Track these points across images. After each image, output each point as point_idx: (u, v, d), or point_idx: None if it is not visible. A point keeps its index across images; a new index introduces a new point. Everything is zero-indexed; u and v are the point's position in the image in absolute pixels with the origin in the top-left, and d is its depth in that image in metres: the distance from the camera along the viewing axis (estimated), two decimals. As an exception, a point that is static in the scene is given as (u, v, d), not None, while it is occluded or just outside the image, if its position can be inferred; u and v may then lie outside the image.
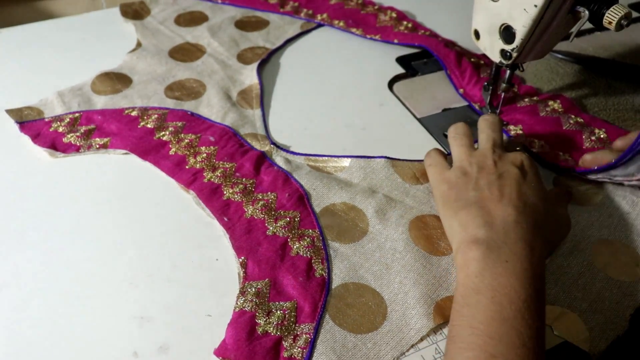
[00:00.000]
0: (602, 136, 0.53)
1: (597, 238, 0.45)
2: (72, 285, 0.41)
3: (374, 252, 0.43)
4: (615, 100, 0.59)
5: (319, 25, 0.72)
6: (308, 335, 0.37)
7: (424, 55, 0.66)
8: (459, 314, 0.35)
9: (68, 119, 0.55)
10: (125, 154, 0.52)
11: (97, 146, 0.52)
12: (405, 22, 0.71)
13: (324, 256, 0.42)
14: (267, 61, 0.65)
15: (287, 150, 0.52)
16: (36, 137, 0.53)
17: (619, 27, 0.43)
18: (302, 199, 0.47)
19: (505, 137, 0.54)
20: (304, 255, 0.42)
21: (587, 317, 0.39)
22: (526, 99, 0.58)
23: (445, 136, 0.55)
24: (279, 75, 0.63)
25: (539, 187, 0.43)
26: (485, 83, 0.56)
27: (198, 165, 0.50)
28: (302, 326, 0.38)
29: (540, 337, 0.34)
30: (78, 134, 0.53)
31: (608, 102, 0.59)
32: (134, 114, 0.55)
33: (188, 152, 0.51)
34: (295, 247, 0.43)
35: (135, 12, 0.72)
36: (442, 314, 0.39)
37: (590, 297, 0.41)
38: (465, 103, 0.60)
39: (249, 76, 0.62)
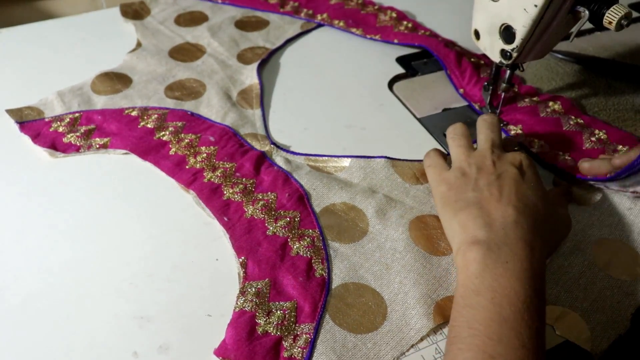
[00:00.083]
0: (602, 137, 0.53)
1: (598, 237, 0.45)
2: (72, 285, 0.41)
3: (374, 252, 0.43)
4: (615, 100, 0.59)
5: (319, 25, 0.72)
6: (308, 335, 0.37)
7: (424, 55, 0.66)
8: (459, 314, 0.35)
9: (68, 119, 0.55)
10: (125, 154, 0.52)
11: (97, 146, 0.52)
12: (405, 22, 0.71)
13: (324, 256, 0.42)
14: (267, 61, 0.65)
15: (287, 150, 0.52)
16: (36, 137, 0.53)
17: (619, 27, 0.43)
18: (302, 199, 0.47)
19: (504, 135, 0.54)
20: (304, 255, 0.42)
21: (589, 317, 0.39)
22: (526, 99, 0.58)
23: (445, 136, 0.55)
24: (279, 75, 0.63)
25: (538, 186, 0.42)
26: (485, 83, 0.56)
27: (198, 165, 0.50)
28: (302, 326, 0.38)
29: (540, 337, 0.34)
30: (78, 134, 0.53)
31: (608, 102, 0.59)
32: (134, 114, 0.55)
33: (188, 152, 0.51)
34: (295, 247, 0.43)
35: (135, 12, 0.72)
36: (442, 314, 0.39)
37: (591, 296, 0.41)
38: (465, 103, 0.60)
39: (249, 76, 0.62)
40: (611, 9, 0.43)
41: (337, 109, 0.59)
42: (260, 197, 0.47)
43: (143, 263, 0.42)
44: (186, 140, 0.52)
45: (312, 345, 0.37)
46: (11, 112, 0.55)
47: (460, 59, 0.62)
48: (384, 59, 0.66)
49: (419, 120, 0.58)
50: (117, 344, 0.37)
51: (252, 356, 0.36)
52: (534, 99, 0.59)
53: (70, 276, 0.41)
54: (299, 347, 0.37)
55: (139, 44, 0.66)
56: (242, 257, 0.42)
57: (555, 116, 0.56)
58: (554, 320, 0.39)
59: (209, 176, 0.49)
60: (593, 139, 0.53)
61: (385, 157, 0.51)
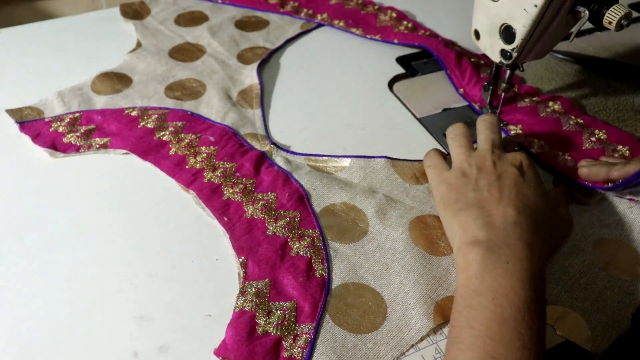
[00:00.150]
0: (602, 137, 0.53)
1: (598, 237, 0.45)
2: (72, 285, 0.41)
3: (374, 252, 0.43)
4: (615, 100, 0.59)
5: (319, 25, 0.72)
6: (308, 335, 0.37)
7: (424, 55, 0.66)
8: (459, 315, 0.35)
9: (68, 119, 0.55)
10: (125, 154, 0.52)
11: (97, 146, 0.52)
12: (405, 22, 0.71)
13: (324, 256, 0.42)
14: (267, 61, 0.65)
15: (287, 150, 0.52)
16: (36, 137, 0.53)
17: (619, 27, 0.43)
18: (302, 199, 0.47)
19: (503, 135, 0.54)
20: (304, 255, 0.42)
21: (589, 317, 0.39)
22: (526, 99, 0.58)
23: (445, 136, 0.55)
24: (279, 75, 0.63)
25: (538, 186, 0.42)
26: (486, 83, 0.56)
27: (198, 165, 0.50)
28: (302, 326, 0.38)
29: (541, 337, 0.34)
30: (78, 134, 0.53)
31: (608, 102, 0.59)
32: (134, 114, 0.55)
33: (188, 152, 0.51)
34: (295, 247, 0.43)
35: (135, 12, 0.72)
36: (442, 314, 0.39)
37: (592, 296, 0.41)
38: (465, 103, 0.60)
39: (249, 76, 0.62)
40: (611, 9, 0.43)
41: (337, 109, 0.59)
42: (260, 197, 0.47)
43: (143, 263, 0.42)
44: (186, 140, 0.52)
45: (312, 345, 0.37)
46: (11, 112, 0.55)
47: (460, 59, 0.62)
48: (384, 59, 0.66)
49: (419, 120, 0.58)
50: (117, 344, 0.37)
51: (252, 356, 0.36)
52: (534, 99, 0.59)
53: (70, 276, 0.41)
54: (299, 347, 0.37)
55: (139, 44, 0.66)
56: (242, 257, 0.42)
57: (555, 116, 0.56)
58: (555, 320, 0.39)
59: (209, 176, 0.49)
60: (593, 139, 0.53)
61: (385, 157, 0.51)
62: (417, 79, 0.64)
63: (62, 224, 0.45)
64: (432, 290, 0.40)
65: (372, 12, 0.73)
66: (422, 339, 0.38)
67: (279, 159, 0.51)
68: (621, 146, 0.52)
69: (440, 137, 0.55)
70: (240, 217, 0.45)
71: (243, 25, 0.71)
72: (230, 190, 0.47)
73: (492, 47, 0.51)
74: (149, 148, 0.52)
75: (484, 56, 0.62)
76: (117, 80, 0.60)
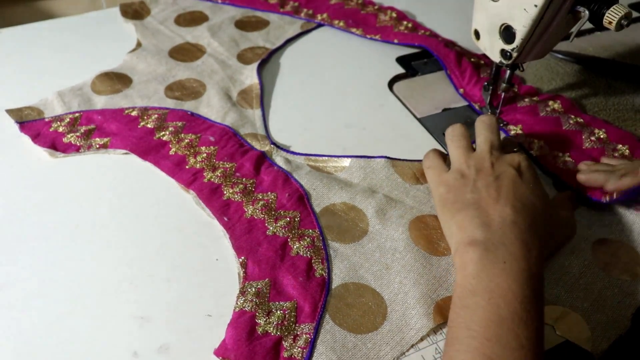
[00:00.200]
0: (602, 136, 0.53)
1: (598, 237, 0.45)
2: (72, 285, 0.41)
3: (374, 252, 0.43)
4: (615, 100, 0.59)
5: (319, 25, 0.72)
6: (308, 335, 0.37)
7: (424, 55, 0.66)
8: (456, 315, 0.35)
9: (68, 119, 0.55)
10: (125, 154, 0.52)
11: (97, 146, 0.52)
12: (405, 22, 0.71)
13: (324, 256, 0.42)
14: (267, 61, 0.65)
15: (287, 150, 0.52)
16: (36, 137, 0.53)
17: (619, 27, 0.43)
18: (302, 198, 0.47)
19: (503, 135, 0.54)
20: (304, 255, 0.42)
21: (589, 317, 0.39)
22: (526, 99, 0.58)
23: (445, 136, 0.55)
24: (279, 75, 0.63)
25: (537, 187, 0.42)
26: (485, 83, 0.56)
27: (198, 165, 0.50)
28: (302, 326, 0.38)
29: (538, 337, 0.33)
30: (78, 134, 0.53)
31: (608, 102, 0.59)
32: (134, 114, 0.55)
33: (188, 152, 0.51)
34: (295, 247, 0.43)
35: (135, 12, 0.72)
36: (442, 314, 0.39)
37: (591, 296, 0.41)
38: (465, 103, 0.60)
39: (249, 76, 0.62)
40: (611, 9, 0.43)
41: (337, 109, 0.59)
42: (260, 197, 0.47)
43: (143, 263, 0.42)
44: (186, 140, 0.52)
45: (312, 345, 0.37)
46: (11, 112, 0.55)
47: (460, 59, 0.62)
48: (384, 59, 0.66)
49: (419, 120, 0.58)
50: (117, 344, 0.37)
51: (252, 356, 0.36)
52: (534, 98, 0.59)
53: (70, 276, 0.41)
54: (299, 347, 0.37)
55: (139, 44, 0.66)
56: (242, 257, 0.42)
57: (555, 115, 0.56)
58: (555, 320, 0.39)
59: (209, 176, 0.49)
60: (593, 138, 0.53)
61: (385, 157, 0.51)
62: (417, 79, 0.64)
63: (62, 224, 0.45)
64: (432, 290, 0.40)
65: (372, 12, 0.73)
66: (422, 339, 0.38)
67: (279, 159, 0.51)
68: (621, 145, 0.52)
69: (440, 137, 0.55)
70: (240, 217, 0.45)
71: (243, 25, 0.71)
72: (230, 190, 0.47)
73: (492, 47, 0.51)
74: (149, 148, 0.52)
75: (484, 56, 0.62)
76: (117, 80, 0.60)
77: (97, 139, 0.53)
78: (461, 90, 0.61)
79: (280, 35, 0.69)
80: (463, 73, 0.62)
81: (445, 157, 0.47)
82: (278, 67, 0.65)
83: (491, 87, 0.56)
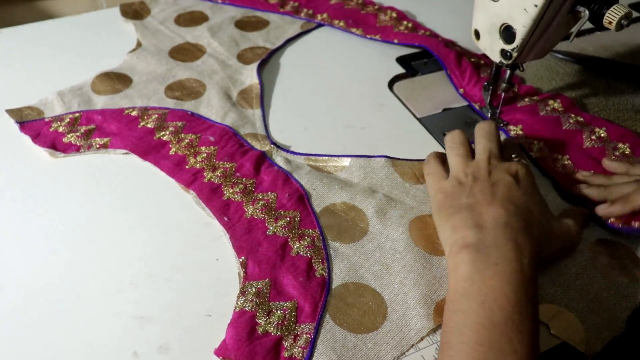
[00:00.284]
0: (602, 135, 0.53)
1: (596, 238, 0.45)
2: (72, 285, 0.41)
3: (374, 252, 0.43)
4: (615, 100, 0.59)
5: (319, 25, 0.72)
6: (308, 335, 0.37)
7: (424, 55, 0.66)
8: (449, 319, 0.35)
9: (68, 119, 0.55)
10: (126, 154, 0.52)
11: (97, 146, 0.52)
12: (405, 22, 0.71)
13: (324, 256, 0.42)
14: (267, 61, 0.65)
15: (287, 150, 0.52)
16: (36, 137, 0.53)
17: (619, 27, 0.43)
18: (302, 198, 0.47)
19: (504, 135, 0.54)
20: (304, 255, 0.42)
21: (584, 317, 0.39)
22: (526, 99, 0.58)
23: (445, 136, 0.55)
24: (279, 75, 0.63)
25: (534, 194, 0.42)
26: (486, 83, 0.56)
27: (198, 165, 0.50)
28: (302, 326, 0.38)
29: (532, 341, 0.33)
30: (78, 133, 0.53)
31: (608, 102, 0.59)
32: (134, 113, 0.55)
33: (188, 152, 0.51)
34: (295, 247, 0.43)
35: (135, 12, 0.72)
36: (442, 314, 0.38)
37: (588, 297, 0.40)
38: (465, 103, 0.60)
39: (249, 76, 0.62)
40: (611, 9, 0.43)
41: (337, 109, 0.59)
42: (261, 197, 0.47)
43: (143, 263, 0.42)
44: (186, 140, 0.52)
45: (312, 345, 0.37)
46: (11, 112, 0.55)
47: (460, 59, 0.62)
48: (384, 59, 0.66)
49: (419, 120, 0.58)
50: (117, 344, 0.37)
51: (253, 356, 0.36)
52: (534, 98, 0.59)
53: (70, 276, 0.41)
54: (299, 347, 0.37)
55: (139, 44, 0.66)
56: (242, 257, 0.42)
57: (555, 115, 0.56)
58: (549, 319, 0.39)
59: (209, 176, 0.49)
60: (593, 137, 0.53)
61: (385, 156, 0.51)
62: (417, 79, 0.64)
63: (62, 224, 0.45)
64: (432, 290, 0.40)
65: (372, 12, 0.73)
66: (422, 339, 0.38)
67: (279, 158, 0.51)
68: (621, 144, 0.52)
69: (440, 137, 0.55)
70: (241, 217, 0.45)
71: (243, 25, 0.71)
72: (230, 190, 0.47)
73: (492, 47, 0.51)
74: (149, 148, 0.52)
75: (484, 56, 0.62)
76: (117, 80, 0.60)
77: (97, 139, 0.53)
78: (461, 90, 0.61)
79: (280, 35, 0.69)
80: (463, 73, 0.62)
81: (445, 162, 0.47)
82: (278, 67, 0.65)
83: (491, 87, 0.56)
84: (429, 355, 0.37)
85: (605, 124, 0.54)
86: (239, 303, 0.39)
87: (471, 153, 0.46)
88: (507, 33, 0.48)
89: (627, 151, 0.51)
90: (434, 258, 0.42)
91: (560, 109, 0.56)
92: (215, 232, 0.45)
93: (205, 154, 0.51)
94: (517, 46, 0.48)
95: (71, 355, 0.37)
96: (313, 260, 0.42)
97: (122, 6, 0.73)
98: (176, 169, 0.50)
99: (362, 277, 0.41)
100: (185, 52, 0.65)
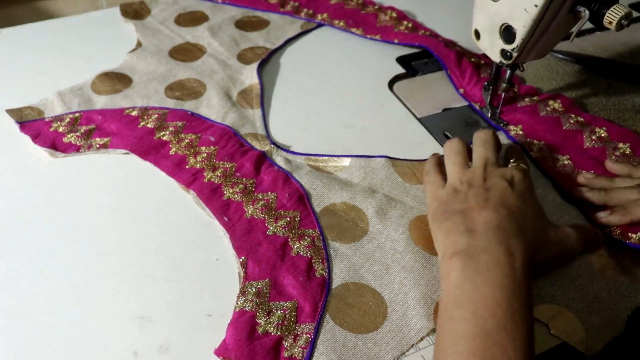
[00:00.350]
0: (602, 135, 0.53)
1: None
2: (72, 285, 0.41)
3: (374, 252, 0.43)
4: (615, 100, 0.59)
5: (319, 25, 0.72)
6: (308, 335, 0.37)
7: (424, 55, 0.66)
8: (442, 328, 0.35)
9: (68, 119, 0.55)
10: (126, 153, 0.52)
11: (98, 146, 0.52)
12: (405, 22, 0.71)
13: (324, 256, 0.42)
14: (267, 61, 0.65)
15: (287, 150, 0.52)
16: (36, 137, 0.53)
17: (620, 27, 0.43)
18: (302, 198, 0.47)
19: (507, 140, 0.54)
20: (304, 255, 0.42)
21: (584, 317, 0.39)
22: (526, 99, 0.58)
23: (446, 136, 0.55)
24: (279, 75, 0.63)
25: (530, 199, 0.42)
26: (486, 83, 0.56)
27: (198, 165, 0.50)
28: (302, 326, 0.38)
29: (526, 347, 0.33)
30: (78, 133, 0.53)
31: (608, 102, 0.59)
32: (134, 113, 0.55)
33: (188, 152, 0.51)
34: (295, 246, 0.43)
35: (135, 12, 0.72)
36: (442, 314, 0.39)
37: (588, 297, 0.40)
38: (465, 103, 0.60)
39: (249, 76, 0.62)
40: (611, 8, 0.43)
41: (337, 109, 0.59)
42: (261, 197, 0.47)
43: (143, 263, 0.42)
44: (186, 140, 0.52)
45: (312, 345, 0.37)
46: (11, 112, 0.55)
47: (460, 59, 0.62)
48: (384, 59, 0.66)
49: (419, 120, 0.58)
50: (117, 344, 0.37)
51: (253, 356, 0.36)
52: (534, 98, 0.59)
53: (70, 276, 0.41)
54: (299, 347, 0.37)
55: (139, 44, 0.66)
56: (243, 257, 0.42)
57: (556, 115, 0.56)
58: (550, 319, 0.39)
59: (209, 176, 0.49)
60: (594, 137, 0.53)
61: (385, 156, 0.51)
62: (417, 79, 0.64)
63: (62, 224, 0.45)
64: (432, 290, 0.40)
65: (372, 12, 0.73)
66: (422, 339, 0.38)
67: (279, 158, 0.51)
68: (622, 144, 0.52)
69: (440, 137, 0.55)
70: (241, 217, 0.45)
71: (243, 25, 0.71)
72: (231, 190, 0.47)
73: (492, 47, 0.51)
74: (149, 148, 0.52)
75: (484, 56, 0.62)
76: (117, 80, 0.60)
77: (97, 139, 0.53)
78: (461, 90, 0.61)
79: (281, 35, 0.69)
80: (463, 73, 0.62)
81: (444, 170, 0.47)
82: (278, 67, 0.65)
83: (491, 87, 0.56)
84: (429, 355, 0.37)
85: (605, 124, 0.54)
86: (239, 303, 0.39)
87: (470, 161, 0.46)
88: (507, 33, 0.48)
89: (628, 151, 0.51)
90: (434, 258, 0.42)
91: (560, 110, 0.56)
92: (215, 232, 0.45)
93: (205, 154, 0.51)
94: (517, 46, 0.48)
95: (71, 355, 0.37)
96: (313, 260, 0.42)
97: (122, 6, 0.73)
98: (176, 169, 0.50)
99: (362, 277, 0.41)
100: (186, 52, 0.65)
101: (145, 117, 0.55)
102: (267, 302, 0.39)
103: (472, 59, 0.64)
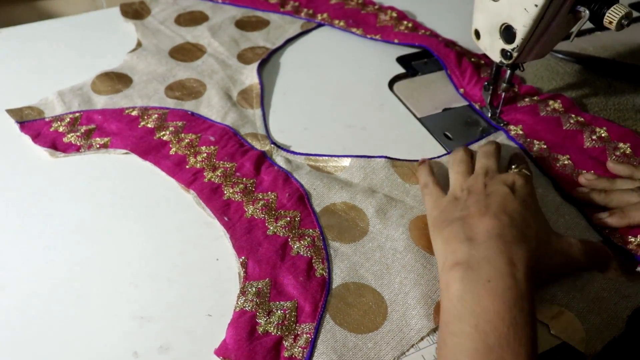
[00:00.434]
0: (603, 135, 0.53)
1: (597, 239, 0.45)
2: (72, 285, 0.41)
3: (375, 252, 0.43)
4: (615, 100, 0.59)
5: (320, 25, 0.72)
6: (309, 335, 0.37)
7: (424, 55, 0.66)
8: (443, 343, 0.34)
9: (68, 119, 0.55)
10: (126, 153, 0.52)
11: (98, 146, 0.52)
12: (405, 22, 0.71)
13: (325, 256, 0.42)
14: (267, 61, 0.65)
15: (288, 150, 0.52)
16: (36, 137, 0.53)
17: (620, 26, 0.43)
18: (302, 198, 0.47)
19: (507, 140, 0.54)
20: (305, 255, 0.42)
21: (584, 317, 0.39)
22: (526, 99, 0.58)
23: (446, 136, 0.55)
24: (279, 75, 0.63)
25: (532, 205, 0.41)
26: (486, 83, 0.56)
27: (198, 165, 0.50)
28: (302, 326, 0.38)
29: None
30: (78, 133, 0.53)
31: (609, 102, 0.59)
32: (134, 113, 0.55)
33: (188, 152, 0.51)
34: (295, 246, 0.43)
35: (135, 12, 0.72)
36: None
37: (588, 297, 0.40)
38: (465, 103, 0.60)
39: (249, 76, 0.62)
40: (611, 8, 0.43)
41: (337, 109, 0.59)
42: (261, 197, 0.47)
43: (143, 263, 0.42)
44: (186, 140, 0.52)
45: (312, 345, 0.37)
46: (11, 112, 0.55)
47: (460, 59, 0.62)
48: (384, 58, 0.66)
49: (420, 120, 0.58)
50: (117, 344, 0.37)
51: (253, 356, 0.36)
52: (534, 98, 0.59)
53: (71, 276, 0.41)
54: (299, 346, 0.37)
55: (139, 44, 0.66)
56: (243, 257, 0.42)
57: (556, 115, 0.56)
58: (550, 319, 0.39)
59: (209, 176, 0.49)
60: (594, 137, 0.53)
61: (386, 157, 0.51)
62: (417, 78, 0.64)
63: (62, 224, 0.45)
64: (432, 290, 0.40)
65: (372, 12, 0.73)
66: (422, 339, 0.38)
67: (279, 158, 0.51)
68: (622, 144, 0.52)
69: (441, 137, 0.55)
70: (241, 217, 0.45)
71: (243, 25, 0.71)
72: (231, 190, 0.47)
73: (492, 47, 0.51)
74: (149, 148, 0.52)
75: (485, 56, 0.62)
76: (117, 80, 0.60)
77: (98, 139, 0.53)
78: (461, 90, 0.61)
79: (281, 35, 0.69)
80: (463, 73, 0.62)
81: (443, 187, 0.46)
82: (278, 67, 0.65)
83: (491, 87, 0.56)
84: (429, 355, 0.37)
85: (606, 124, 0.54)
86: (239, 303, 0.39)
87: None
88: (507, 33, 0.48)
89: (628, 151, 0.51)
90: (434, 258, 0.42)
91: (560, 110, 0.56)
92: (216, 232, 0.45)
93: (205, 154, 0.51)
94: (517, 46, 0.48)
95: (71, 356, 0.37)
96: (313, 260, 0.42)
97: (122, 6, 0.73)
98: (176, 168, 0.50)
99: (362, 277, 0.41)
100: (186, 52, 0.65)
101: (146, 117, 0.55)
102: (267, 302, 0.39)
103: (472, 59, 0.64)
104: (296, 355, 0.36)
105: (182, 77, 0.61)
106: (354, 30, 0.70)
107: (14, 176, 0.49)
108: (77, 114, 0.55)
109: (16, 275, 0.41)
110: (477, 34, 0.53)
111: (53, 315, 0.39)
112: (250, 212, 0.45)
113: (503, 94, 0.55)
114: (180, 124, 0.54)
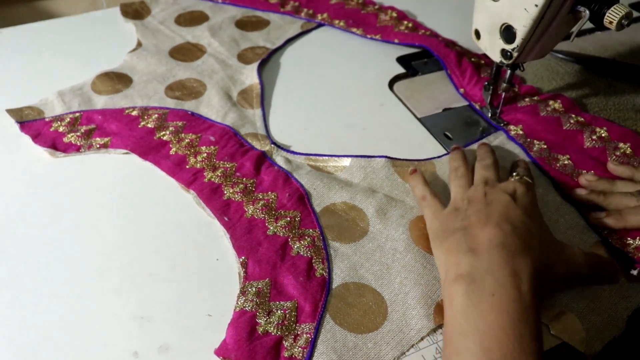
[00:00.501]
0: (603, 135, 0.53)
1: (597, 239, 0.45)
2: (72, 285, 0.41)
3: (375, 252, 0.43)
4: (616, 100, 0.59)
5: (320, 25, 0.72)
6: (309, 335, 0.37)
7: (424, 55, 0.66)
8: None
9: (68, 119, 0.55)
10: (126, 153, 0.52)
11: (98, 146, 0.52)
12: (405, 22, 0.71)
13: (325, 256, 0.42)
14: (267, 61, 0.65)
15: (288, 150, 0.52)
16: (36, 137, 0.53)
17: (620, 26, 0.43)
18: (302, 198, 0.47)
19: (508, 140, 0.54)
20: (305, 255, 0.42)
21: (584, 317, 0.39)
22: (527, 99, 0.58)
23: (446, 136, 0.55)
24: (280, 75, 0.63)
25: (534, 213, 0.40)
26: (486, 83, 0.56)
27: (198, 165, 0.50)
28: (302, 326, 0.38)
29: None
30: (78, 133, 0.53)
31: (609, 102, 0.59)
32: (134, 113, 0.55)
33: (188, 152, 0.51)
34: (295, 246, 0.43)
35: (135, 12, 0.72)
36: (442, 314, 0.38)
37: (588, 297, 0.40)
38: (465, 103, 0.60)
39: (250, 76, 0.62)
40: (612, 8, 0.43)
41: (337, 109, 0.58)
42: (261, 197, 0.47)
43: (143, 263, 0.42)
44: (186, 140, 0.52)
45: (312, 345, 0.37)
46: (11, 112, 0.55)
47: (460, 59, 0.62)
48: (384, 58, 0.66)
49: (420, 120, 0.58)
50: (117, 344, 0.37)
51: (253, 356, 0.36)
52: (534, 98, 0.59)
53: (70, 276, 0.41)
54: (299, 346, 0.37)
55: (139, 44, 0.66)
56: (243, 257, 0.42)
57: (556, 115, 0.56)
58: (550, 320, 0.39)
59: (209, 176, 0.49)
60: (594, 137, 0.53)
61: (386, 156, 0.51)
62: (417, 78, 0.64)
63: (62, 224, 0.45)
64: (432, 290, 0.40)
65: (372, 12, 0.73)
66: (422, 339, 0.38)
67: (279, 158, 0.51)
68: (622, 144, 0.52)
69: (441, 137, 0.55)
70: (241, 217, 0.45)
71: (243, 25, 0.71)
72: (231, 190, 0.47)
73: (492, 47, 0.51)
74: (149, 148, 0.52)
75: (485, 56, 0.62)
76: (117, 80, 0.60)
77: (98, 139, 0.53)
78: (461, 90, 0.61)
79: (281, 35, 0.69)
80: (463, 73, 0.62)
81: (442, 201, 0.45)
82: (278, 67, 0.65)
83: (491, 87, 0.56)
84: (429, 355, 0.37)
85: (606, 124, 0.54)
86: (239, 303, 0.39)
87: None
88: (507, 33, 0.48)
89: (629, 151, 0.51)
90: (434, 258, 0.42)
91: (560, 110, 0.56)
92: (216, 232, 0.45)
93: (205, 154, 0.51)
94: (517, 46, 0.48)
95: (71, 356, 0.37)
96: (313, 260, 0.42)
97: (122, 6, 0.73)
98: (176, 168, 0.50)
99: (362, 277, 0.41)
100: (186, 52, 0.65)
101: (146, 117, 0.55)
102: (267, 302, 0.39)
103: (472, 59, 0.64)
104: (296, 355, 0.36)
105: (182, 77, 0.61)
106: (354, 30, 0.70)
107: (14, 176, 0.49)
108: (77, 114, 0.55)
109: (16, 275, 0.41)
110: (477, 34, 0.53)
111: (53, 315, 0.39)
112: (250, 212, 0.45)
113: (503, 94, 0.55)
114: (180, 124, 0.54)
